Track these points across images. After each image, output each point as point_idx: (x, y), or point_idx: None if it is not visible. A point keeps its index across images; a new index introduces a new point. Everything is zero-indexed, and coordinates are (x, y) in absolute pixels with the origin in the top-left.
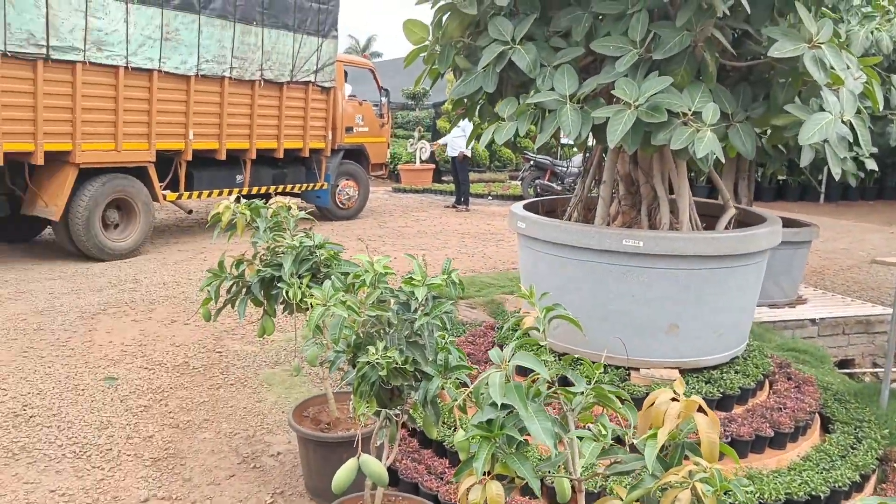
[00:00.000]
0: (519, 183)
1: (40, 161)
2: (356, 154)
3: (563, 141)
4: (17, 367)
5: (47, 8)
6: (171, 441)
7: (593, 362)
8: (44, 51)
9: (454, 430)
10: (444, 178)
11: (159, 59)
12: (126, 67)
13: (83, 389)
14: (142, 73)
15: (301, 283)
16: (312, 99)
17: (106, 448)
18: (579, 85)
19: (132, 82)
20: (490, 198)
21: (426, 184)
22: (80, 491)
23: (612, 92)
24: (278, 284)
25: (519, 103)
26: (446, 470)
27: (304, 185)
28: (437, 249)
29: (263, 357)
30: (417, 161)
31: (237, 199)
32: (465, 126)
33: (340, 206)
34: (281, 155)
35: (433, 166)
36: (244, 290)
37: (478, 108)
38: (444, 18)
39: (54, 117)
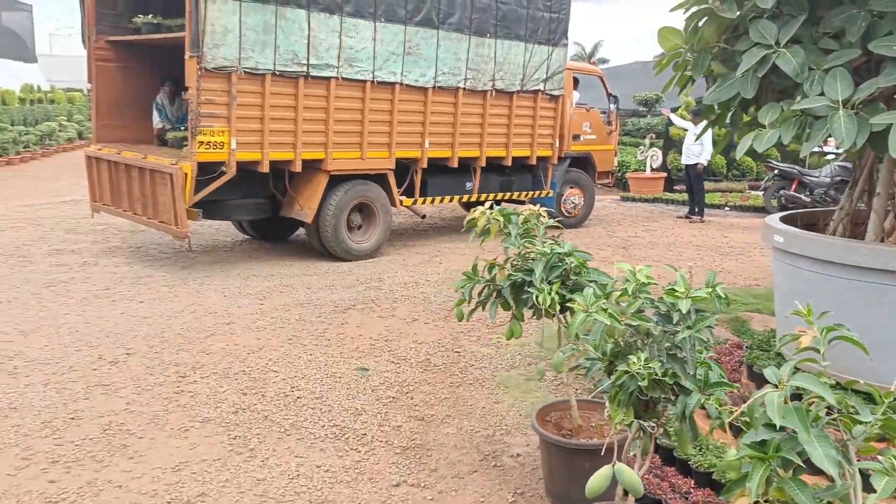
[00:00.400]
0: (760, 193)
1: (298, 168)
2: (583, 162)
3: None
4: (285, 353)
5: (309, 30)
6: (417, 432)
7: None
8: (304, 69)
9: (700, 450)
10: (676, 188)
11: (401, 73)
12: (372, 81)
13: (340, 377)
14: (385, 86)
15: (551, 290)
16: (541, 107)
17: (361, 433)
18: (854, 89)
19: (377, 95)
20: (727, 208)
21: (656, 192)
22: (340, 469)
23: None
24: (528, 289)
25: (783, 110)
26: (691, 490)
27: (530, 192)
28: (670, 262)
29: (499, 360)
30: (648, 169)
31: (491, 206)
32: (705, 138)
33: (566, 214)
34: (509, 163)
35: (664, 175)
36: (495, 293)
37: (730, 115)
38: (700, 24)
39: (311, 129)
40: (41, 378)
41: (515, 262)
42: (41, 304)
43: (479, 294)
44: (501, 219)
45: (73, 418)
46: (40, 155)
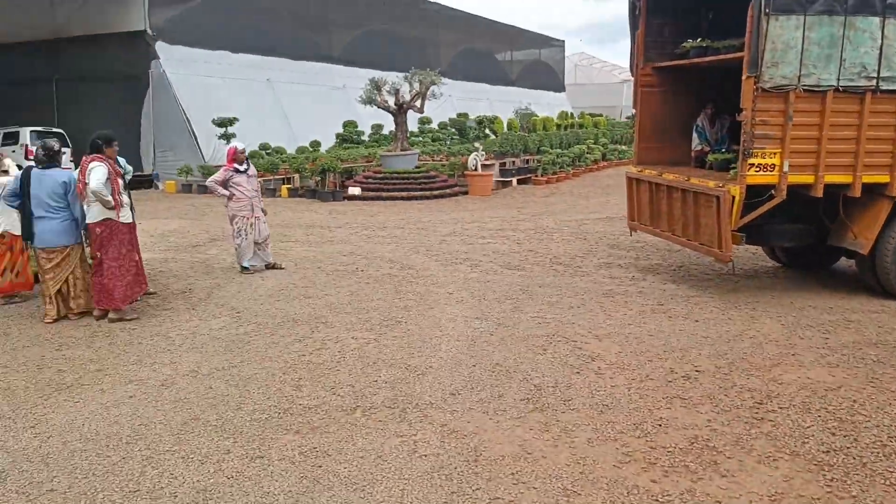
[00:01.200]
0: None
1: (857, 193)
2: None
3: None
4: (869, 396)
5: (883, 39)
6: None
7: None
8: (873, 83)
9: None
10: None
11: None
12: None
13: None
14: None
15: None
16: None
17: None
18: None
19: None
20: None
21: None
22: None
23: None
24: None
25: None
26: None
27: None
28: None
29: None
30: None
31: None
32: None
33: None
34: None
35: None
36: None
37: None
38: None
39: (875, 149)
40: (623, 381)
41: None
42: (605, 312)
43: None
44: None
45: (660, 425)
46: (571, 175)
